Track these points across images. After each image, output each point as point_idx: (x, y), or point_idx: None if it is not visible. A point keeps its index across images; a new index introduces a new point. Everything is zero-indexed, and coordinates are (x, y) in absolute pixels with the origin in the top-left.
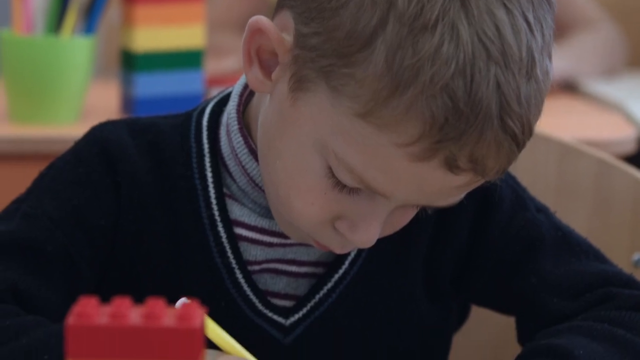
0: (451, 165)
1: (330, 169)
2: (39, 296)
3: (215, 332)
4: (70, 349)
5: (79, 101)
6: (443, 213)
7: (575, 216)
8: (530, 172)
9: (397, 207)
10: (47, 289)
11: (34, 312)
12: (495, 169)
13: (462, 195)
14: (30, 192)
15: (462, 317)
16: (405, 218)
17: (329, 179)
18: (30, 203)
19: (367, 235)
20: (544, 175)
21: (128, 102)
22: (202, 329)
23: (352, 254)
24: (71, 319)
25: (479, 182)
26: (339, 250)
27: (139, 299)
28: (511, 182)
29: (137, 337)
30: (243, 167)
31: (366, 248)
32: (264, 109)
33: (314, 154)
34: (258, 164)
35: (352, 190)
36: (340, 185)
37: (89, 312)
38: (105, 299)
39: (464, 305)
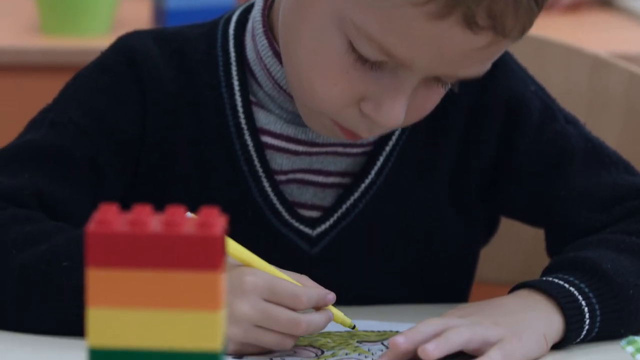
0: (470, 22)
1: (350, 43)
2: (64, 202)
3: (237, 249)
4: (90, 256)
5: (110, 13)
6: (470, 124)
7: (607, 129)
8: (562, 85)
9: (420, 85)
10: (73, 195)
11: (59, 219)
12: (516, 28)
13: (487, 65)
14: (57, 101)
15: (490, 230)
16: (429, 101)
17: (350, 54)
18: (57, 112)
19: (392, 113)
20: (575, 88)
21: (159, 14)
22: (223, 236)
23: (379, 164)
24: (91, 226)
25: (501, 44)
26: (366, 134)
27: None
28: (540, 93)
29: (157, 244)
30: (268, 70)
31: (392, 154)
32: (283, 4)
33: (333, 31)
34: (282, 67)
35: (375, 66)
36: (362, 61)
37: (109, 219)
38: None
39: (492, 219)
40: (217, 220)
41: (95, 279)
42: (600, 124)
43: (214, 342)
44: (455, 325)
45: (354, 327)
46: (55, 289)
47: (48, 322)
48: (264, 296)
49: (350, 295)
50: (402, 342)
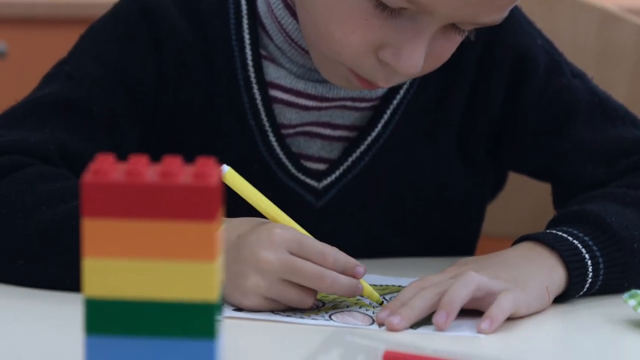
0: None
1: None
2: (86, 155)
3: (270, 207)
4: (86, 206)
5: None
6: (477, 78)
7: (616, 83)
8: (571, 39)
9: (438, 32)
10: (94, 147)
11: (81, 172)
12: None
13: (505, 12)
14: (72, 54)
15: (497, 186)
16: (446, 49)
17: (370, 1)
18: (73, 65)
19: (411, 60)
20: (584, 42)
21: None
22: (218, 187)
23: (385, 117)
24: (87, 176)
25: None
26: (383, 83)
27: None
28: (547, 47)
29: (152, 195)
30: (279, 23)
31: (399, 108)
32: None
33: None
34: (294, 20)
35: (394, 13)
36: (381, 7)
37: (105, 169)
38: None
39: (500, 174)
40: (213, 171)
41: (91, 229)
42: (609, 78)
43: (209, 293)
44: (449, 287)
45: (382, 304)
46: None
47: (71, 273)
48: (292, 250)
49: (355, 248)
50: (397, 322)
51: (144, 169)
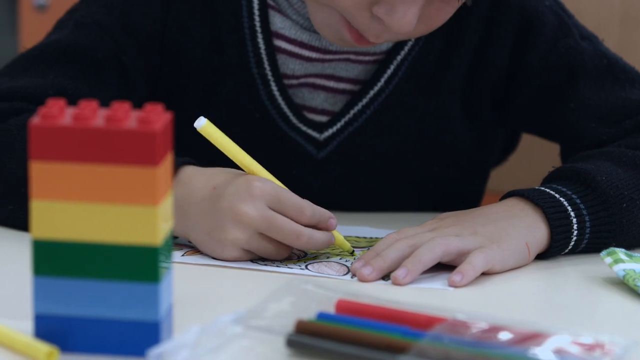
0: None
1: None
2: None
3: (247, 160)
4: (34, 149)
5: None
6: (484, 37)
7: (639, 47)
8: (595, 1)
9: None
10: (97, 94)
11: None
12: None
13: None
14: (82, 1)
15: (508, 148)
16: (442, 13)
17: None
18: (82, 12)
19: (405, 19)
20: (609, 5)
21: None
22: (163, 132)
23: (389, 72)
24: (34, 120)
25: None
26: (373, 39)
27: (182, 109)
28: (555, 8)
29: (98, 139)
30: None
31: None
32: None
33: None
34: None
35: None
36: None
37: (54, 113)
38: None
39: (510, 136)
40: (159, 116)
41: (38, 171)
42: (633, 41)
43: (153, 237)
44: (423, 242)
45: (352, 253)
46: None
47: None
48: (270, 204)
49: (355, 201)
50: (368, 273)
51: (92, 114)
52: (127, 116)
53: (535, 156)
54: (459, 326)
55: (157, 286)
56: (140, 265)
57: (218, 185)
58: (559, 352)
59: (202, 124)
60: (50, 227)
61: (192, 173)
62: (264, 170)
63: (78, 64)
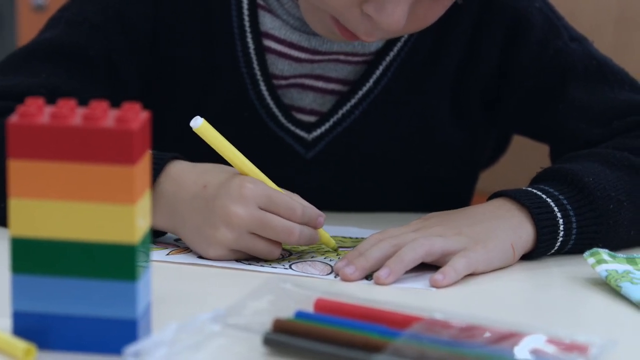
0: None
1: None
2: (81, 100)
3: (240, 160)
4: (12, 148)
5: None
6: (473, 38)
7: (635, 48)
8: (591, 2)
9: None
10: (90, 93)
11: None
12: None
13: None
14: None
15: (498, 150)
16: (433, 12)
17: None
18: (74, 10)
19: (394, 17)
20: (606, 6)
21: None
22: (140, 131)
23: (378, 73)
24: (12, 118)
25: None
26: (364, 37)
27: (174, 107)
28: (545, 10)
29: (75, 137)
30: None
31: (392, 64)
32: None
33: None
34: None
35: None
36: None
37: (32, 112)
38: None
39: (500, 138)
40: (137, 115)
41: (17, 170)
42: (629, 43)
43: (130, 235)
44: (407, 242)
45: (336, 250)
46: None
47: None
48: (262, 204)
49: (344, 201)
50: (351, 272)
51: (70, 113)
52: (105, 115)
53: (525, 157)
54: (436, 325)
55: (134, 284)
56: (118, 263)
57: (209, 184)
58: (535, 352)
59: (199, 124)
60: (29, 225)
61: (182, 168)
62: (260, 172)
63: (70, 62)
